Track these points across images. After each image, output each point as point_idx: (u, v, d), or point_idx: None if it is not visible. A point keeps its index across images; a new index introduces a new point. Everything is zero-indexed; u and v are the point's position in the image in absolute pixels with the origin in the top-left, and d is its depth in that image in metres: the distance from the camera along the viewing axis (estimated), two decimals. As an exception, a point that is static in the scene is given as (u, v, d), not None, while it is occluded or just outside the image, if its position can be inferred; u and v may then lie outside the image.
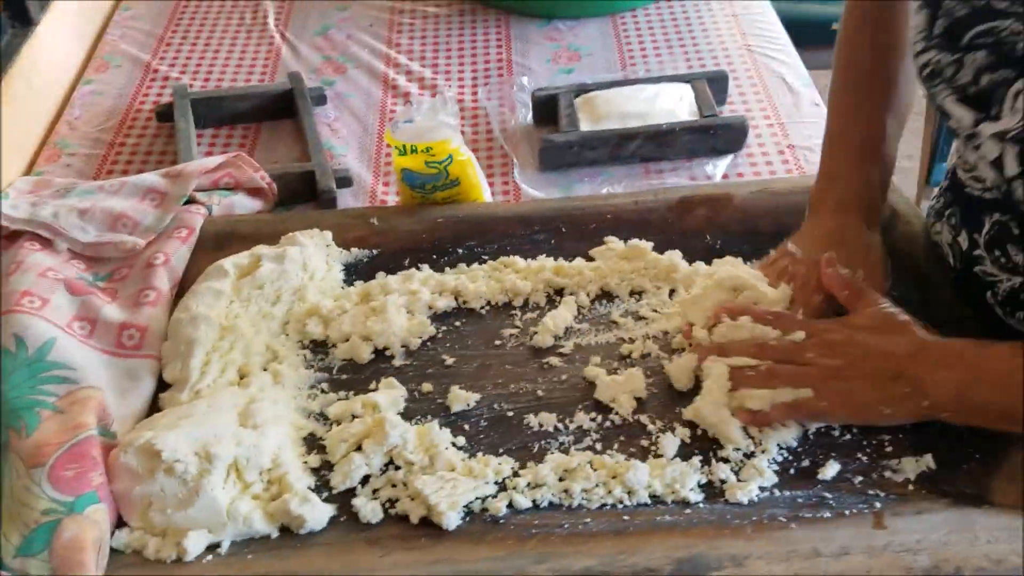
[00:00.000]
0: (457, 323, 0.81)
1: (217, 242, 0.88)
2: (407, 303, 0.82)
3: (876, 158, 0.78)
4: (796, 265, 0.76)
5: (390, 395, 0.74)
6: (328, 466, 0.69)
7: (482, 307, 0.82)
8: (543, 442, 0.70)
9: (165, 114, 1.10)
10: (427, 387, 0.75)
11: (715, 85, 1.06)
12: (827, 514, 0.64)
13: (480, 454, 0.69)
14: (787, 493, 0.66)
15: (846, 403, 0.67)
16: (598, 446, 0.70)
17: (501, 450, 0.70)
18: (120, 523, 0.66)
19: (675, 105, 1.03)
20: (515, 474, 0.68)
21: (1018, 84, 0.60)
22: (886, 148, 0.78)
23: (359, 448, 0.69)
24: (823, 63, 1.55)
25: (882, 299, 0.71)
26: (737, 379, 0.70)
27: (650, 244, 0.85)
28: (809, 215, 0.80)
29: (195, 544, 0.63)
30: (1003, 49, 0.61)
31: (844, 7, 0.81)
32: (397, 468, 0.68)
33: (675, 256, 0.84)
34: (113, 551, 0.64)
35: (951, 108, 0.66)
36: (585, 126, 1.02)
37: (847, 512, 0.64)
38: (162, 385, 0.76)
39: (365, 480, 0.68)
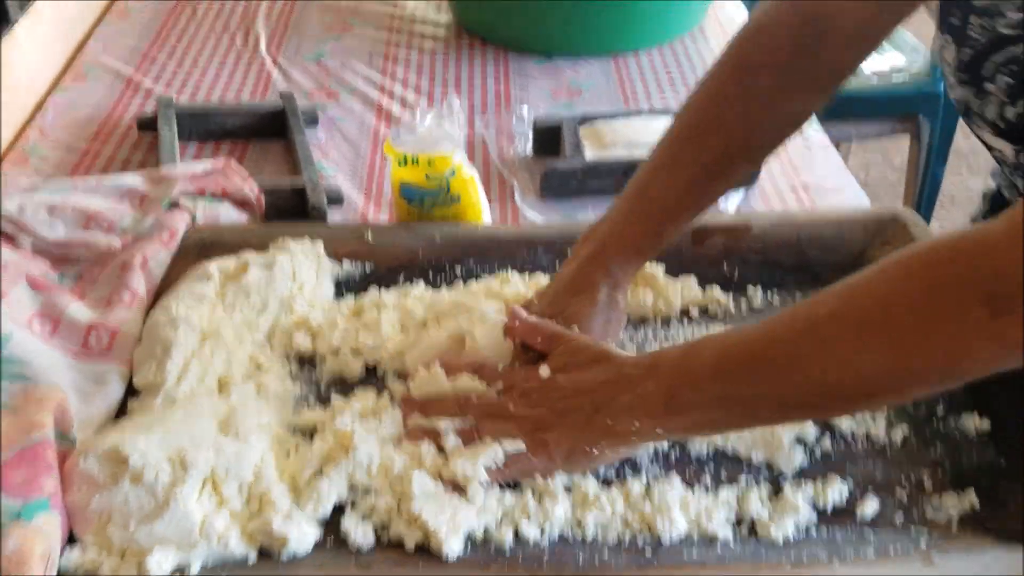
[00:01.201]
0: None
1: (200, 251, 0.81)
2: (401, 320, 0.76)
3: (651, 224, 0.71)
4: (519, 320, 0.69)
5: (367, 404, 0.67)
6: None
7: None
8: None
9: (147, 124, 1.04)
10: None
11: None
12: (871, 553, 0.58)
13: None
14: (824, 531, 0.60)
15: (553, 453, 0.61)
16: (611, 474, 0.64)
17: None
18: (71, 541, 0.57)
19: (683, 138, 0.99)
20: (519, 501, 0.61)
21: None
22: (667, 222, 0.71)
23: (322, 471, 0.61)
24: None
25: (577, 336, 0.66)
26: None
27: (661, 267, 0.80)
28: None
29: (159, 564, 0.55)
30: (1022, 75, 0.59)
31: (705, 76, 0.72)
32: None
33: (691, 282, 0.80)
34: (61, 574, 0.55)
35: (991, 141, 0.63)
36: (590, 155, 0.99)
37: (891, 550, 0.58)
38: (132, 394, 0.68)
39: (353, 501, 0.61)
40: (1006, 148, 0.62)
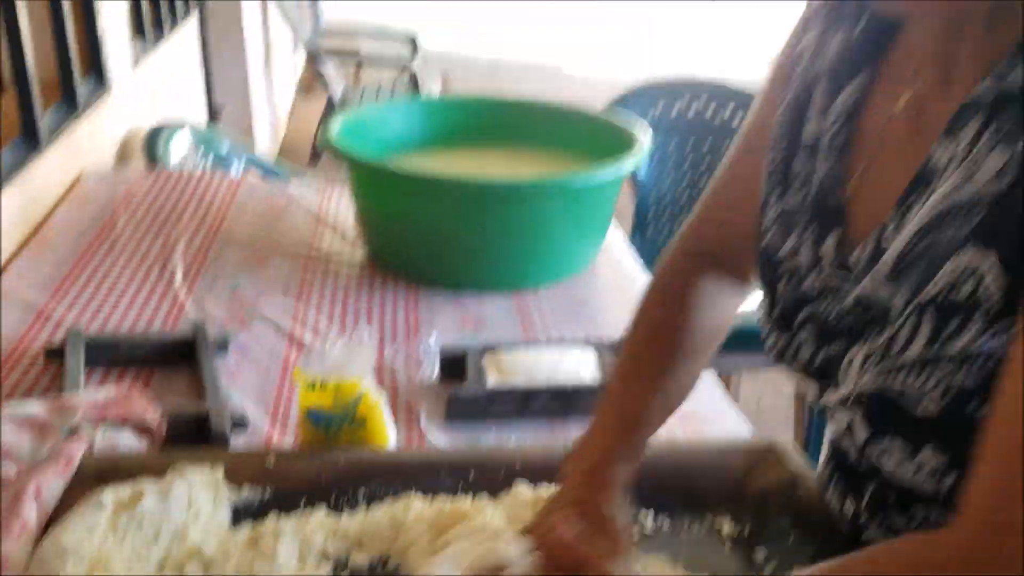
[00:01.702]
0: (355, 571, 0.75)
1: (97, 478, 0.80)
2: (300, 547, 0.76)
3: (631, 432, 0.77)
4: (543, 536, 0.71)
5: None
6: None
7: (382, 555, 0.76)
8: None
9: (56, 353, 1.05)
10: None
11: (616, 353, 1.11)
12: None
13: None
14: None
15: None
16: None
17: None
18: None
19: (580, 367, 1.06)
20: None
21: (849, 353, 0.65)
22: (644, 426, 0.78)
23: None
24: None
25: (620, 569, 0.67)
26: None
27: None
28: (559, 485, 0.77)
29: None
30: (827, 326, 0.67)
31: (638, 308, 0.85)
32: None
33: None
34: None
35: (800, 384, 0.71)
36: (492, 382, 1.03)
37: None
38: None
39: None
40: (812, 389, 0.69)
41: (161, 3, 2.40)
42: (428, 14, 9.17)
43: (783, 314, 0.71)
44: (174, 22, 2.54)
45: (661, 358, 0.79)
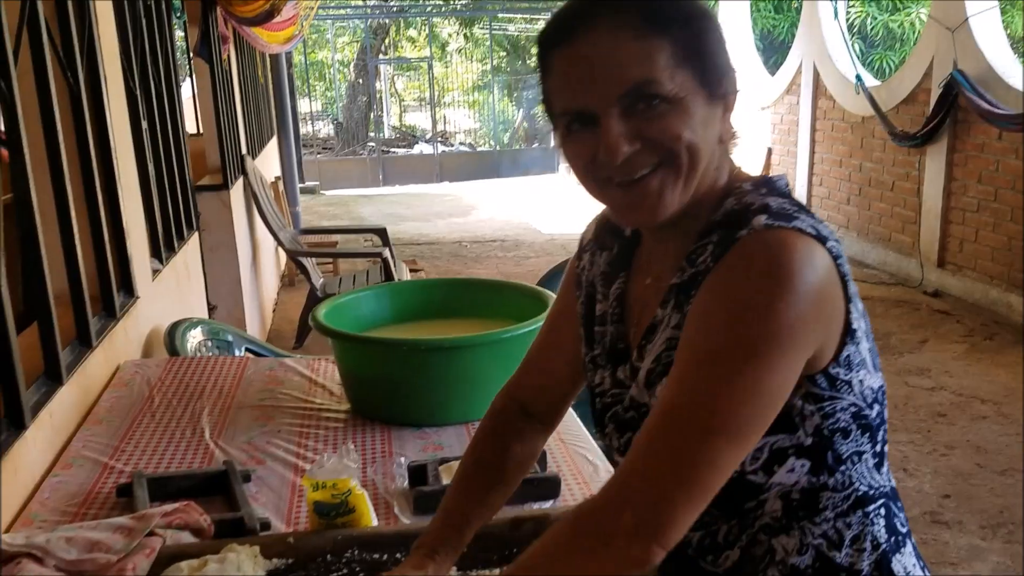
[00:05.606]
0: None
1: (171, 559, 1.17)
2: (316, 592, 1.12)
3: (454, 530, 1.09)
4: None
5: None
6: None
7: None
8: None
9: (125, 490, 1.43)
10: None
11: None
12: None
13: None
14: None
15: None
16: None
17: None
18: None
19: (509, 465, 1.45)
20: None
21: (634, 435, 0.97)
22: (464, 527, 1.09)
23: None
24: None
25: None
26: None
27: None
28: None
29: None
30: (620, 421, 1.03)
31: (472, 439, 1.17)
32: None
33: (510, 549, 1.19)
34: None
35: (616, 458, 1.09)
36: (446, 482, 1.42)
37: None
38: (127, 645, 1.00)
39: None
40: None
41: (172, 228, 2.91)
42: (395, 208, 9.90)
43: (598, 421, 1.09)
44: (180, 241, 3.04)
45: (481, 478, 1.13)
